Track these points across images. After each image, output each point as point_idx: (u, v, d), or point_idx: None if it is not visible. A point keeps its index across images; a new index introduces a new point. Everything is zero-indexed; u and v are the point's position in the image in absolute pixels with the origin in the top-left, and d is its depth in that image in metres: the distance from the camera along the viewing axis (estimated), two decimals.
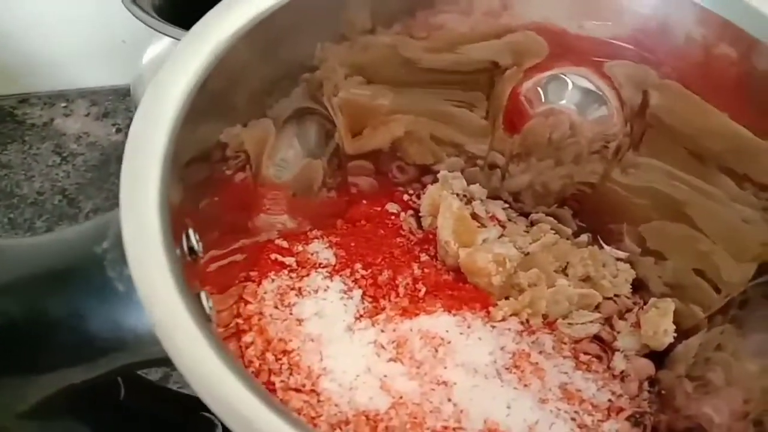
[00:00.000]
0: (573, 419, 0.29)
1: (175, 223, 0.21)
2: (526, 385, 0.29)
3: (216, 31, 0.24)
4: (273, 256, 0.31)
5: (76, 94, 0.59)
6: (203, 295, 0.21)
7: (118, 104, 0.58)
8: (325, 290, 0.31)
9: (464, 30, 0.31)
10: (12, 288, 0.19)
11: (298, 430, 0.16)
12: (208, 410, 0.32)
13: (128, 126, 0.58)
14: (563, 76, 0.34)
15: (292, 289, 0.30)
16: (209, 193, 0.27)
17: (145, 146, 0.21)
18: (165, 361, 0.21)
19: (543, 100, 0.35)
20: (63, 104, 0.58)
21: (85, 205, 0.52)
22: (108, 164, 0.54)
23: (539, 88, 0.35)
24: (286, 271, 0.31)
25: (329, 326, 0.29)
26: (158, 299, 0.18)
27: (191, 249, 0.22)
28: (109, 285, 0.19)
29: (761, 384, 0.28)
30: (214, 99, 0.25)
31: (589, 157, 0.36)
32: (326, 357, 0.28)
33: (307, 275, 0.31)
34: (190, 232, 0.22)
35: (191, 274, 0.22)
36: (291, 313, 0.29)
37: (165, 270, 0.18)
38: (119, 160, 0.58)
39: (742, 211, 0.30)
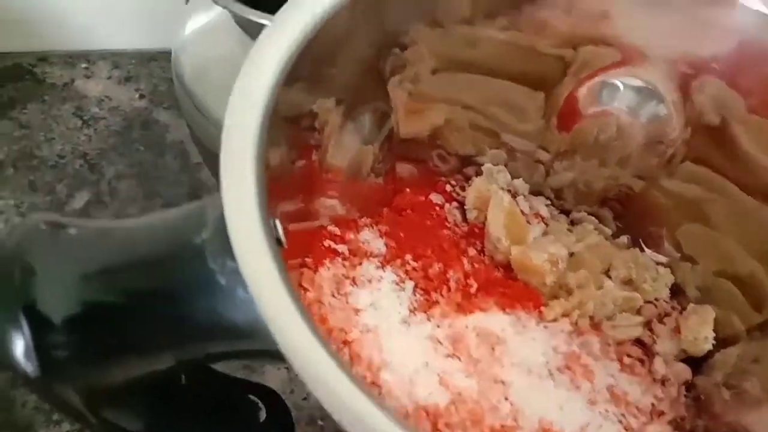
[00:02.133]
0: (620, 421, 0.29)
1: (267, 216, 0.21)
2: (577, 387, 0.29)
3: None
4: (326, 243, 0.31)
5: (97, 55, 0.57)
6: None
7: (141, 69, 0.57)
8: (379, 281, 0.31)
9: (564, 29, 0.31)
10: (116, 270, 0.19)
11: None
12: (254, 393, 0.33)
13: (151, 92, 0.57)
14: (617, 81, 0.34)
15: (347, 278, 0.30)
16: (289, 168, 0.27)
17: (241, 133, 0.21)
18: (260, 353, 0.21)
19: (599, 101, 0.35)
20: (84, 65, 0.57)
21: (107, 170, 0.51)
22: (130, 130, 0.53)
23: (597, 89, 0.35)
24: (339, 259, 0.31)
25: (385, 318, 0.29)
26: (268, 294, 0.18)
27: (278, 240, 0.22)
28: (211, 277, 0.19)
29: None
30: (315, 67, 0.25)
31: (637, 160, 0.36)
32: (385, 350, 0.28)
33: (360, 264, 0.31)
34: (277, 222, 0.22)
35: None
36: (347, 303, 0.29)
37: (271, 263, 0.18)
38: (142, 126, 0.57)
39: None
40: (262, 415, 0.31)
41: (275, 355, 0.19)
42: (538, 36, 0.33)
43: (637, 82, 0.34)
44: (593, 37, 0.33)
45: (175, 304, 0.19)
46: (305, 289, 0.29)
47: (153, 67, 0.57)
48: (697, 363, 0.34)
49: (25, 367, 0.19)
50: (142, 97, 0.55)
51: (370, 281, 0.31)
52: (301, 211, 0.30)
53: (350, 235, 0.32)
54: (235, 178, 0.20)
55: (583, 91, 0.35)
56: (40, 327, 0.18)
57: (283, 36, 0.24)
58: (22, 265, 0.19)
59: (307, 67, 0.24)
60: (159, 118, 0.54)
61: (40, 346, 0.18)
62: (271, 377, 0.41)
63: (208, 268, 0.19)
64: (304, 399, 0.40)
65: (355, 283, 0.30)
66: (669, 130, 0.34)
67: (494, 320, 0.30)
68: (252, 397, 0.31)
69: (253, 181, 0.20)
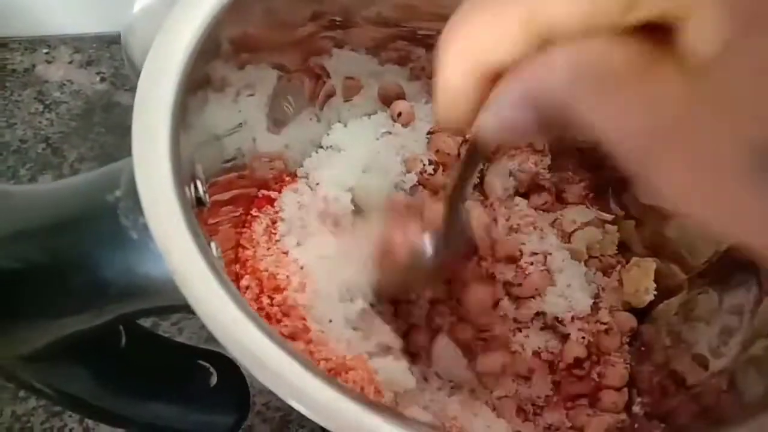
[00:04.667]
0: None
1: (184, 173, 0.21)
2: None
3: None
4: (260, 192, 0.32)
5: (58, 40, 0.57)
6: (213, 245, 0.21)
7: (102, 52, 0.57)
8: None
9: None
10: (26, 234, 0.19)
11: (309, 370, 0.17)
12: (204, 359, 0.33)
13: (113, 75, 0.57)
14: None
15: (275, 221, 0.31)
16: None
17: (154, 97, 0.21)
18: (175, 308, 0.22)
19: None
20: (45, 50, 0.57)
21: (69, 154, 0.51)
22: (92, 114, 0.53)
23: None
24: (269, 206, 0.32)
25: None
26: (175, 248, 0.18)
27: (198, 199, 0.22)
28: (123, 233, 0.19)
29: (733, 341, 0.29)
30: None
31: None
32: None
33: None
34: (198, 182, 0.23)
35: (200, 222, 0.22)
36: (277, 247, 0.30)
37: (180, 219, 0.19)
38: (104, 109, 0.56)
39: None
40: (214, 380, 0.32)
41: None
42: None
43: None
44: None
45: (89, 263, 0.19)
46: (244, 248, 0.30)
47: (114, 50, 0.57)
48: (644, 315, 0.35)
49: None
50: (103, 80, 0.55)
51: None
52: (241, 177, 0.31)
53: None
54: (148, 138, 0.20)
55: None
56: None
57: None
58: None
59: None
60: (120, 101, 0.54)
61: None
62: None
63: (120, 224, 0.19)
64: None
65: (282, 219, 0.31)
66: None
67: None
68: (202, 362, 0.32)
69: (166, 140, 0.20)
